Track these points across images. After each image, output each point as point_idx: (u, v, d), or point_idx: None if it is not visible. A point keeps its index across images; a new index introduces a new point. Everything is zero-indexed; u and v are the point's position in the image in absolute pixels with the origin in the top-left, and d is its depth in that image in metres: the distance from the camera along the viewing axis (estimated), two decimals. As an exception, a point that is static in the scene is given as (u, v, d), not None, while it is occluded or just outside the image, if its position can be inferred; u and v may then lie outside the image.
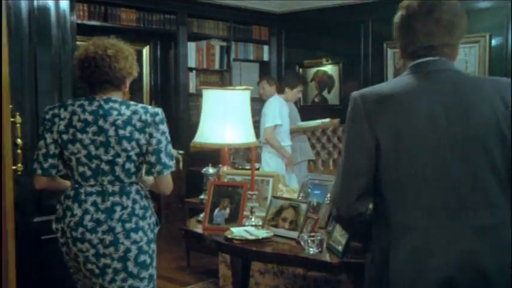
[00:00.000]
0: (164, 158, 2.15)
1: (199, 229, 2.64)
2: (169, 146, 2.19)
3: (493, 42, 5.22)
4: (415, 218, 1.44)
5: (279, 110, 4.92)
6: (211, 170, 2.86)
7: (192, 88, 6.15)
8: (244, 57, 6.63)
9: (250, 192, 2.65)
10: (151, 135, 2.12)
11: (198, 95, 6.03)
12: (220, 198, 2.64)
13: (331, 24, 6.33)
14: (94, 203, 2.11)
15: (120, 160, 2.11)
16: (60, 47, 2.90)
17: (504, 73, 4.89)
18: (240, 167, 5.11)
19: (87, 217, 2.10)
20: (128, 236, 2.11)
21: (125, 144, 2.10)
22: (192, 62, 6.10)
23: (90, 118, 2.10)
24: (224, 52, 6.40)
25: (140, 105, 2.17)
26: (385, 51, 5.89)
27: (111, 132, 2.09)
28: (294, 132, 5.23)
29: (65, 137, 2.11)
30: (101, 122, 2.09)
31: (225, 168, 3.03)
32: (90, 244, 2.10)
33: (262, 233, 2.43)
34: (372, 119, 1.45)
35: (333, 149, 6.11)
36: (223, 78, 6.44)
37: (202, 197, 2.84)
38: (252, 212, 2.65)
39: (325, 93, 6.60)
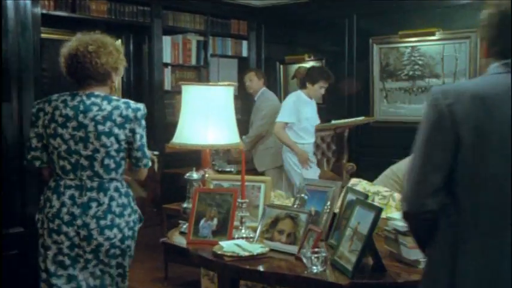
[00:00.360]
0: (147, 151, 2.23)
1: (182, 242, 2.34)
2: None
3: (484, 38, 5.05)
4: (488, 222, 1.42)
5: (293, 106, 4.70)
6: (195, 175, 2.53)
7: (167, 85, 5.85)
8: (222, 52, 6.36)
9: (240, 200, 2.35)
10: (133, 131, 2.16)
11: (174, 92, 5.73)
12: (207, 207, 2.33)
13: (314, 19, 6.06)
14: (72, 197, 2.16)
15: (99, 156, 2.14)
16: (18, 34, 2.56)
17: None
18: (220, 170, 4.81)
19: (64, 210, 2.15)
20: (101, 233, 2.16)
21: (104, 139, 2.12)
22: (167, 57, 5.80)
23: (70, 113, 2.13)
24: (201, 47, 6.12)
25: (122, 100, 2.19)
26: (371, 47, 5.63)
27: (91, 127, 2.12)
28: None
29: (48, 131, 2.16)
30: (80, 118, 2.13)
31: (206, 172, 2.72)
32: (66, 236, 2.16)
33: (256, 248, 2.12)
34: (453, 116, 1.42)
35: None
36: (200, 75, 6.16)
37: (185, 205, 2.51)
38: (242, 223, 2.35)
39: (307, 91, 6.32)
